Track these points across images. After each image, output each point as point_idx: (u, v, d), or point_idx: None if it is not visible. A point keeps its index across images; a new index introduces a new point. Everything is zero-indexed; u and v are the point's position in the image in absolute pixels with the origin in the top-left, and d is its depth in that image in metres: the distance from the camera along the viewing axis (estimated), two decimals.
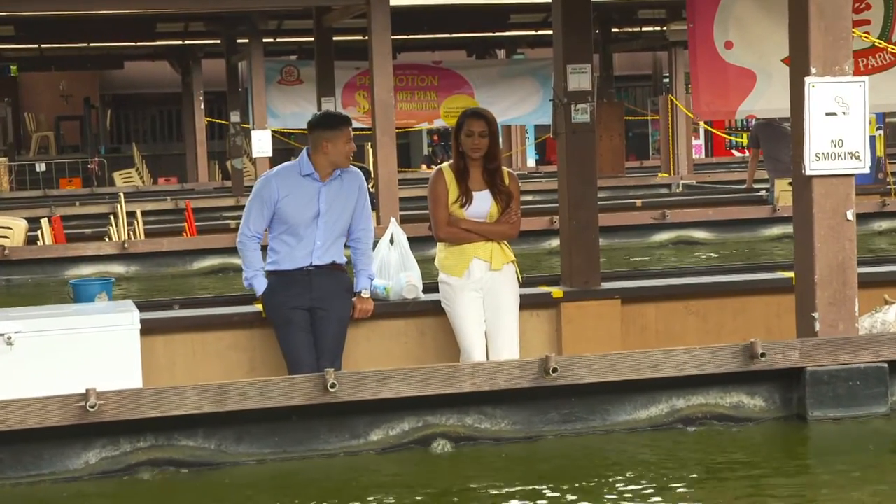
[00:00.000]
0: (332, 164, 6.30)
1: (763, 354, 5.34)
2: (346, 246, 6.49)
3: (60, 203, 18.83)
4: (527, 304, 6.88)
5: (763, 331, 7.19)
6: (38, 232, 13.17)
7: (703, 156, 27.61)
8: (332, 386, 4.98)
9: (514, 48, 25.02)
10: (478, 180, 6.51)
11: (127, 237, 13.02)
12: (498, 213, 6.50)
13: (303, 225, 6.29)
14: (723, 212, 14.37)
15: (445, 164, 6.64)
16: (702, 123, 25.30)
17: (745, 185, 16.32)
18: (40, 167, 26.59)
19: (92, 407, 4.75)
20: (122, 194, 14.23)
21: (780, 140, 14.01)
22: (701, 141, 28.22)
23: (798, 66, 5.52)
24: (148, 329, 6.29)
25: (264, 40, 19.02)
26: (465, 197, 6.47)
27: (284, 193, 6.28)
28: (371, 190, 8.11)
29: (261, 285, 6.34)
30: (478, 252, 6.49)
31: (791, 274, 6.44)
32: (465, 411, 5.26)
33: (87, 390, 4.77)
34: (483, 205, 6.49)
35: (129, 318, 6.07)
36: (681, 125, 20.78)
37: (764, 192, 14.88)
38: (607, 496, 4.66)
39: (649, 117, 27.04)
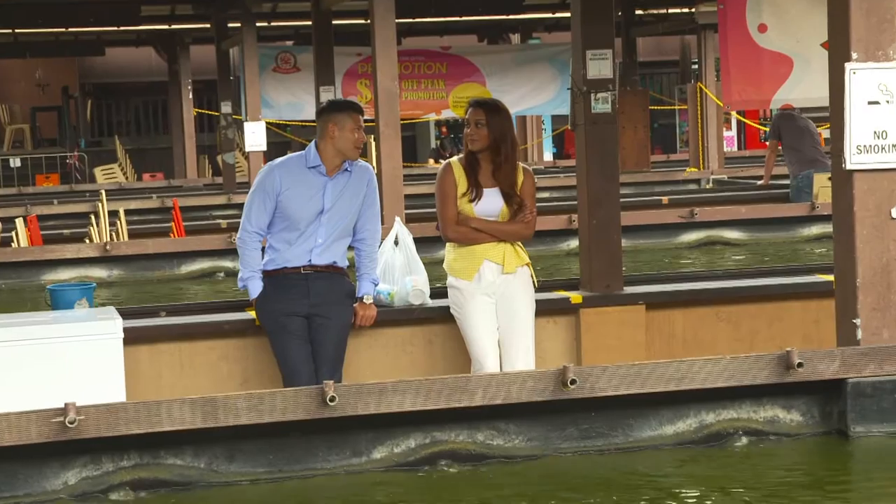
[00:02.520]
0: (340, 154, 6.31)
1: (800, 364, 5.34)
2: (349, 247, 6.50)
3: (37, 201, 18.87)
4: (543, 310, 6.88)
5: (800, 339, 7.18)
6: (13, 233, 13.20)
7: (735, 149, 27.60)
8: (332, 399, 4.99)
9: (528, 32, 25.03)
10: (488, 176, 6.51)
11: (109, 238, 13.04)
12: (510, 212, 6.50)
13: (304, 221, 6.30)
14: (756, 210, 14.36)
15: (455, 157, 6.65)
16: (734, 114, 25.28)
17: (761, 181, 16.31)
18: (15, 162, 26.66)
19: (71, 423, 4.76)
20: (103, 192, 14.25)
21: (802, 134, 14.15)
22: (733, 133, 28.20)
23: (838, 50, 5.52)
24: (132, 338, 6.31)
25: (258, 24, 19.04)
26: (475, 191, 6.47)
27: (287, 186, 6.28)
28: None
29: (256, 288, 6.34)
30: (489, 254, 6.50)
31: (831, 277, 6.43)
32: (475, 426, 5.27)
33: (65, 405, 4.79)
34: (494, 202, 6.49)
35: (111, 326, 6.09)
36: (711, 115, 20.76)
37: (805, 190, 14.83)
38: None
39: (676, 107, 27.02)
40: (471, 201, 6.47)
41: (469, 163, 6.51)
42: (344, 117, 6.30)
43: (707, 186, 18.81)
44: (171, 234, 13.87)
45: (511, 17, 23.09)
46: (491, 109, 6.49)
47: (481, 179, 6.50)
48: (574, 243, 12.80)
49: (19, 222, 13.36)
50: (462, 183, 6.49)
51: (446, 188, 6.51)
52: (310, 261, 6.32)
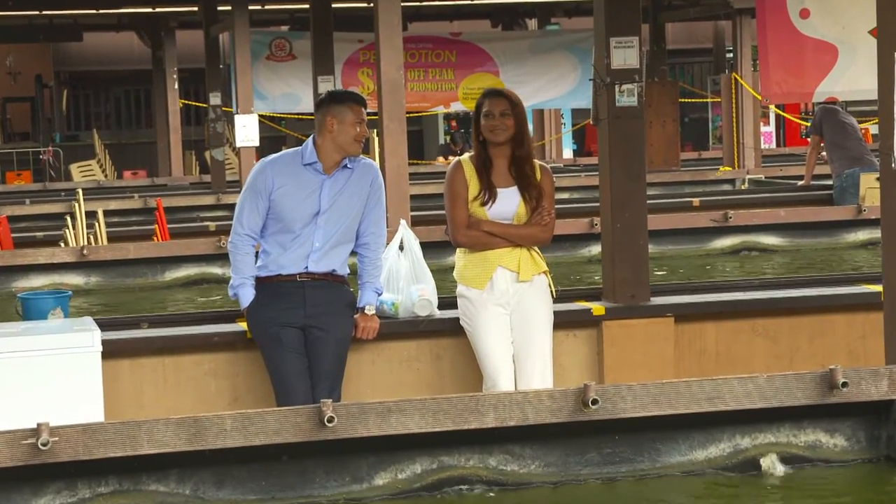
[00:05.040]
0: (340, 150, 6.31)
1: (845, 384, 5.33)
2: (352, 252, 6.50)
3: (7, 201, 18.91)
4: (562, 322, 6.88)
5: (845, 356, 7.17)
6: None
7: (773, 146, 27.58)
8: (330, 420, 4.99)
9: (547, 17, 25.05)
10: (503, 174, 6.51)
11: (86, 242, 13.05)
12: (527, 214, 6.50)
13: (299, 223, 6.30)
14: (797, 213, 14.34)
15: (465, 155, 6.65)
16: (772, 107, 25.27)
17: (802, 181, 16.33)
18: None
19: (44, 444, 4.76)
20: (80, 191, 14.26)
21: (846, 129, 14.22)
22: (771, 128, 28.18)
23: (887, 38, 5.51)
24: (111, 351, 6.31)
25: (250, 7, 19.06)
26: (488, 193, 6.47)
27: (280, 184, 6.29)
28: None
29: (248, 296, 6.35)
30: (503, 260, 6.50)
31: (879, 288, 6.42)
32: (488, 450, 5.27)
33: (38, 425, 4.79)
34: (509, 204, 6.49)
35: (88, 338, 6.09)
36: (747, 109, 20.76)
37: (850, 191, 14.82)
38: None
39: (709, 99, 27.02)
40: (483, 205, 6.46)
41: (481, 161, 6.50)
42: (344, 109, 6.31)
43: (742, 187, 18.80)
44: (155, 238, 13.88)
45: (527, 0, 23.10)
46: (513, 99, 6.53)
47: (495, 179, 6.49)
48: (596, 249, 12.81)
49: None
50: (474, 182, 6.49)
51: (456, 188, 6.51)
52: (306, 267, 6.33)
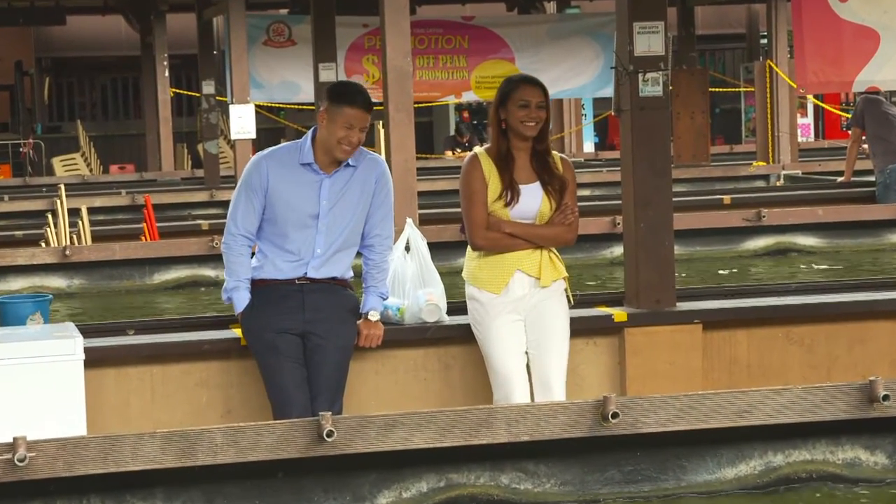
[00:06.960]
0: (327, 150, 6.24)
1: (886, 397, 5.32)
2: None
3: None
4: (581, 329, 6.87)
5: (887, 366, 7.17)
6: None
7: (811, 139, 27.58)
8: (330, 434, 4.99)
9: (566, 0, 25.06)
10: (525, 169, 6.47)
11: (69, 242, 13.08)
12: (550, 212, 6.47)
13: (297, 226, 6.28)
14: (836, 212, 14.33)
15: (481, 148, 6.61)
16: (810, 97, 25.24)
17: (842, 177, 16.31)
18: None
19: (21, 460, 4.77)
20: (62, 186, 14.29)
21: (890, 122, 14.25)
22: (809, 120, 28.18)
23: None
24: (95, 360, 6.32)
25: None
26: (511, 192, 6.41)
27: (276, 182, 6.26)
28: None
29: (242, 300, 6.33)
30: (523, 263, 6.46)
31: None
32: (499, 467, 5.27)
33: (14, 439, 4.80)
34: (532, 201, 6.45)
35: (70, 345, 6.10)
36: (783, 99, 20.74)
37: (893, 188, 14.82)
38: None
39: (742, 89, 27.01)
40: (507, 205, 6.41)
41: (500, 154, 6.45)
42: (336, 109, 6.20)
43: (777, 183, 18.80)
44: (143, 237, 13.90)
45: None
46: (546, 90, 6.50)
47: (516, 174, 6.44)
48: (618, 250, 12.81)
49: None
50: (494, 181, 6.43)
51: (474, 185, 6.46)
52: (305, 274, 6.31)
